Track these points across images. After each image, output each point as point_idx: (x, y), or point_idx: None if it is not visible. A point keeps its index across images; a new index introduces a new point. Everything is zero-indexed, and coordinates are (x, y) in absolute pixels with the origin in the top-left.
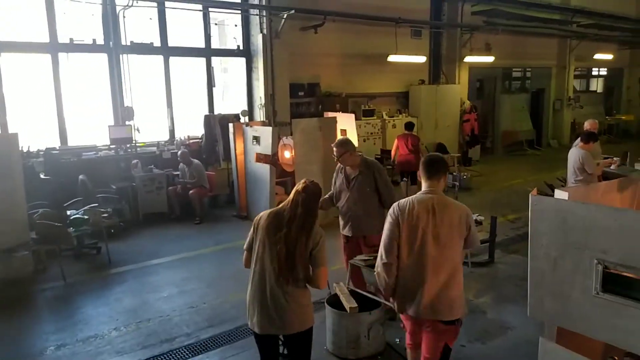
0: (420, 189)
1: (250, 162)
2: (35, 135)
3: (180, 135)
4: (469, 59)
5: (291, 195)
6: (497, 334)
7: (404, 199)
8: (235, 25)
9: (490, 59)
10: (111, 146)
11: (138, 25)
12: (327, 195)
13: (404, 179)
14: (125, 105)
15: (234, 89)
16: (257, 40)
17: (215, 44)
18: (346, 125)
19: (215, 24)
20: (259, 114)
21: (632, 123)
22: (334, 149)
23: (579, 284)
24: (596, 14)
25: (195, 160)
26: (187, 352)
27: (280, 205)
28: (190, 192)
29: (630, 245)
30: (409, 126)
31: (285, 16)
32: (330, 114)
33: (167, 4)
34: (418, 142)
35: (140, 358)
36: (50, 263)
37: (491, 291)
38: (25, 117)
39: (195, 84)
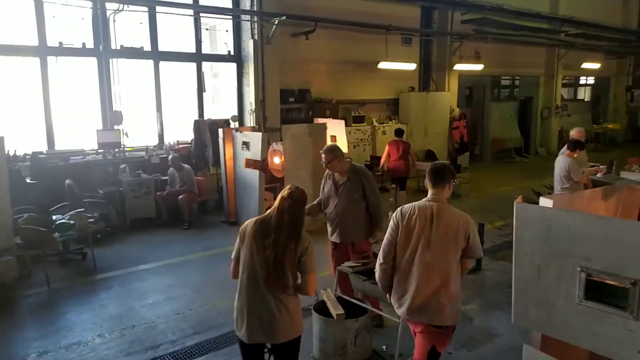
0: (408, 195)
1: (240, 168)
2: (22, 139)
3: (169, 140)
4: (458, 66)
5: (277, 202)
6: (483, 341)
7: (408, 205)
8: (227, 31)
9: (479, 67)
10: (99, 151)
11: (128, 29)
12: (315, 202)
13: (394, 185)
14: (114, 109)
15: (224, 94)
16: (248, 45)
17: (206, 49)
18: (336, 131)
19: (207, 29)
20: (250, 120)
21: (618, 131)
22: (323, 155)
23: (562, 292)
24: (584, 23)
25: (186, 166)
26: None
27: (266, 213)
28: (180, 197)
29: (613, 253)
30: (398, 132)
31: (276, 22)
32: (321, 120)
33: (158, 8)
34: (409, 148)
35: None
36: (35, 268)
37: (478, 298)
38: (13, 120)
39: (185, 89)
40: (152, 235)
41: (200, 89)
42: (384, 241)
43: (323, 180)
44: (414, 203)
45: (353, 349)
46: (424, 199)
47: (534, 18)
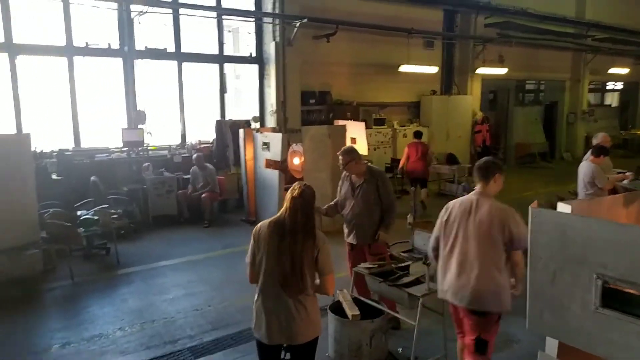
0: (429, 196)
1: (260, 168)
2: (49, 136)
3: (191, 139)
4: (481, 70)
5: (288, 202)
6: (503, 348)
7: (453, 200)
8: (249, 33)
9: (503, 70)
10: (123, 149)
11: (152, 30)
12: (332, 202)
13: (413, 187)
14: (137, 109)
15: (246, 95)
16: (270, 48)
17: (229, 51)
18: (356, 133)
19: (229, 31)
20: (270, 121)
21: None
22: (340, 157)
23: (578, 298)
24: (611, 28)
25: (209, 165)
26: (190, 354)
27: (279, 214)
28: (203, 195)
29: (630, 260)
30: (417, 134)
31: (298, 25)
32: (341, 122)
33: (181, 10)
34: (427, 150)
35: (143, 358)
36: (60, 262)
37: None
38: (41, 118)
39: (208, 89)
40: (174, 232)
41: (222, 89)
42: (432, 234)
43: (340, 182)
44: (460, 198)
45: (368, 350)
46: (471, 193)
47: (559, 22)
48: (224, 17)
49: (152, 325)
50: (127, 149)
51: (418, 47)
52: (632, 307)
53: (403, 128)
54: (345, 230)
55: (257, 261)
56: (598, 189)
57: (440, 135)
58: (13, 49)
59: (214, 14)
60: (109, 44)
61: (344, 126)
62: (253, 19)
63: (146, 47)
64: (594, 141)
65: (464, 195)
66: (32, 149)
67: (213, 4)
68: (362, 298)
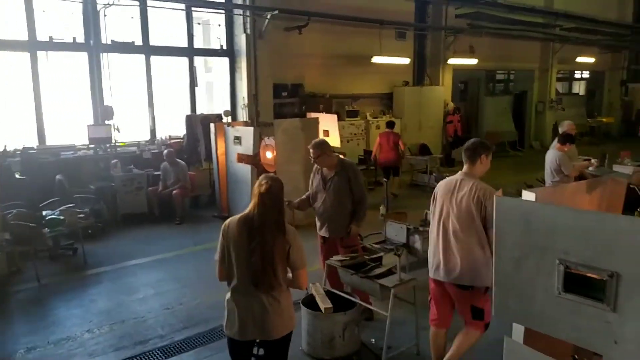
0: (401, 186)
1: (232, 163)
2: (12, 134)
3: (161, 135)
4: (452, 61)
5: (255, 199)
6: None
7: (443, 179)
8: (219, 25)
9: (474, 61)
10: (90, 146)
11: (119, 23)
12: (304, 196)
13: (386, 178)
14: (104, 104)
15: (217, 88)
16: (241, 40)
17: (199, 44)
18: (329, 125)
19: (199, 24)
20: (242, 114)
21: (612, 125)
22: (311, 150)
23: (541, 284)
24: (578, 17)
25: (181, 161)
26: (161, 354)
27: (247, 210)
28: (174, 192)
29: (590, 245)
30: (389, 124)
31: (269, 16)
32: (313, 115)
33: (149, 2)
34: (399, 139)
35: None
36: (25, 264)
37: None
38: (3, 116)
39: (178, 83)
40: (144, 230)
41: (193, 83)
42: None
43: (312, 175)
44: (447, 178)
45: (341, 342)
46: (457, 173)
47: (528, 12)
48: (193, 9)
49: (121, 325)
50: (93, 146)
51: (390, 39)
52: (593, 291)
53: (376, 120)
54: (317, 224)
55: (227, 259)
56: (564, 176)
57: (412, 126)
58: None
59: (182, 5)
60: (74, 38)
61: (316, 119)
62: (223, 11)
63: (113, 40)
64: (560, 129)
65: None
66: None
67: None
68: (334, 290)
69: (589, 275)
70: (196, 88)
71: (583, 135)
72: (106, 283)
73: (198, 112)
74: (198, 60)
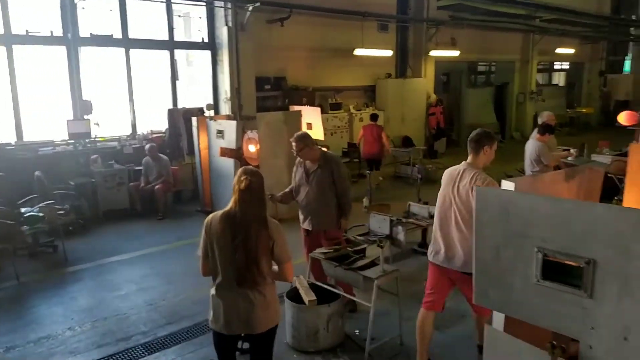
0: (384, 178)
1: (215, 157)
2: None
3: (142, 129)
4: (435, 53)
5: (236, 195)
6: (456, 323)
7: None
8: (200, 18)
9: (455, 53)
10: (69, 141)
11: (98, 16)
12: (287, 189)
13: (369, 170)
14: (83, 98)
15: (199, 82)
16: (222, 33)
17: (180, 37)
18: (312, 119)
19: (179, 16)
20: (225, 108)
21: (592, 116)
22: (293, 143)
23: (520, 272)
24: (558, 9)
25: (163, 156)
26: (144, 350)
27: (229, 207)
28: (156, 187)
29: (568, 233)
30: (373, 117)
31: (250, 9)
32: (297, 108)
33: None
34: (381, 132)
35: (95, 358)
36: (4, 262)
37: None
38: None
39: (159, 77)
40: (126, 226)
41: (174, 77)
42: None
43: (294, 168)
44: (453, 166)
45: (325, 335)
46: (462, 163)
47: (509, 4)
48: (173, 1)
49: (103, 323)
50: (73, 141)
51: (372, 31)
52: (570, 278)
53: (359, 112)
54: (301, 217)
55: (211, 255)
56: (544, 166)
57: (395, 119)
58: None
59: None
60: (51, 31)
61: (299, 112)
62: (204, 3)
63: (91, 33)
64: (540, 120)
65: (418, 177)
66: None
67: None
68: (318, 283)
69: (566, 262)
70: (177, 81)
71: (563, 126)
72: (87, 280)
73: (180, 105)
74: (179, 54)
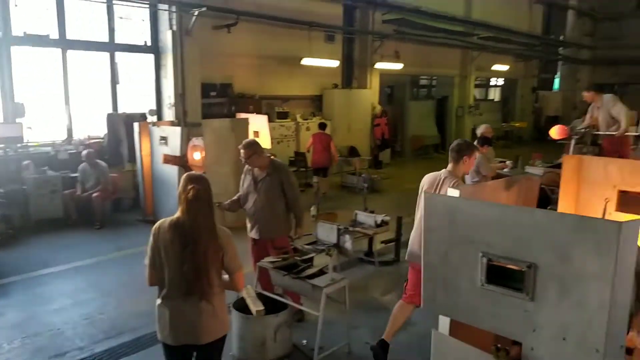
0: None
1: (157, 164)
2: None
3: (79, 134)
4: (379, 65)
5: (184, 205)
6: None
7: (430, 173)
8: (143, 20)
9: (399, 66)
10: None
11: (32, 14)
12: (235, 197)
13: (315, 178)
14: (15, 101)
15: (141, 86)
16: (166, 36)
17: (123, 39)
18: (259, 127)
19: (121, 18)
20: (169, 114)
21: (525, 130)
22: (241, 150)
23: (466, 276)
24: (495, 27)
25: (101, 162)
26: None
27: (177, 216)
28: (94, 195)
29: (510, 238)
30: (322, 126)
31: (196, 13)
32: (243, 116)
33: None
34: (330, 140)
35: None
36: None
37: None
38: None
39: (98, 80)
40: (60, 236)
41: (114, 80)
42: None
43: (242, 176)
44: (433, 172)
45: (273, 345)
46: (443, 170)
47: (449, 21)
48: (114, 2)
49: (35, 339)
50: (3, 145)
51: (319, 41)
52: (513, 282)
53: (306, 121)
54: (248, 225)
55: (159, 263)
56: (483, 177)
57: (342, 129)
58: None
59: None
60: None
61: (246, 119)
62: (147, 5)
63: (25, 32)
64: (478, 132)
65: (364, 186)
66: None
67: None
68: (266, 293)
69: (509, 266)
70: (118, 85)
71: (498, 139)
72: (17, 294)
73: (120, 110)
74: (121, 57)
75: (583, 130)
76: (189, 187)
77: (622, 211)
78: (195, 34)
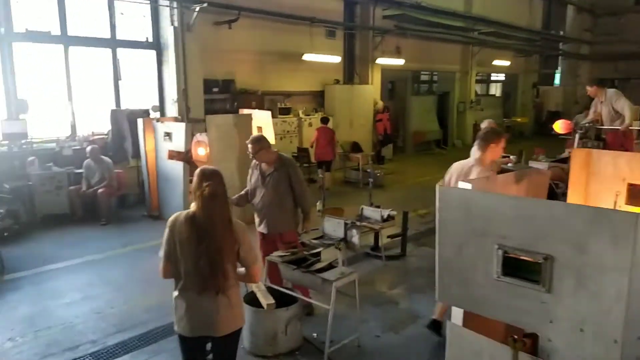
0: (335, 181)
1: (162, 160)
2: None
3: (83, 131)
4: (380, 60)
5: (199, 201)
6: (409, 323)
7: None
8: (144, 16)
9: (400, 61)
10: (4, 142)
11: (34, 10)
12: (242, 192)
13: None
14: (19, 97)
15: (143, 83)
16: (168, 33)
17: (125, 35)
18: (262, 122)
19: (122, 14)
20: (171, 110)
21: (526, 125)
22: (249, 145)
23: (481, 269)
24: (495, 22)
25: (106, 158)
26: None
27: (193, 211)
28: (99, 191)
29: (526, 230)
30: (324, 120)
31: (197, 9)
32: (246, 111)
33: None
34: (333, 135)
35: None
36: None
37: (404, 283)
38: None
39: (101, 76)
40: (66, 232)
41: (116, 76)
42: None
43: (250, 171)
44: (461, 161)
45: (284, 338)
46: (471, 157)
47: (449, 16)
48: None
49: (47, 332)
50: (7, 142)
51: (321, 37)
52: (529, 274)
53: (308, 117)
54: (256, 220)
55: (174, 256)
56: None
57: (344, 124)
58: None
59: None
60: None
61: (250, 115)
62: (148, 1)
63: (27, 29)
64: (482, 127)
65: (370, 181)
66: None
67: None
68: (275, 287)
69: (525, 258)
70: (120, 82)
71: None
72: (27, 288)
73: (123, 106)
74: (123, 53)
75: (587, 124)
76: (205, 184)
77: (631, 204)
78: (196, 30)
